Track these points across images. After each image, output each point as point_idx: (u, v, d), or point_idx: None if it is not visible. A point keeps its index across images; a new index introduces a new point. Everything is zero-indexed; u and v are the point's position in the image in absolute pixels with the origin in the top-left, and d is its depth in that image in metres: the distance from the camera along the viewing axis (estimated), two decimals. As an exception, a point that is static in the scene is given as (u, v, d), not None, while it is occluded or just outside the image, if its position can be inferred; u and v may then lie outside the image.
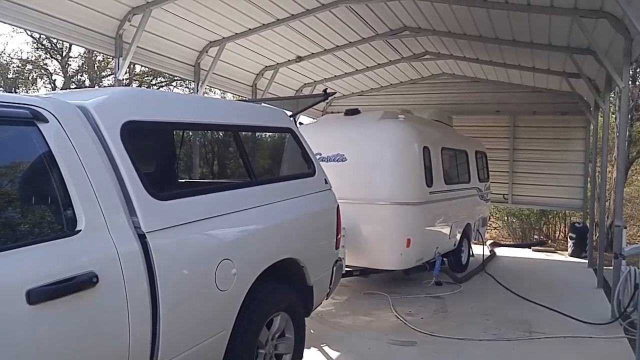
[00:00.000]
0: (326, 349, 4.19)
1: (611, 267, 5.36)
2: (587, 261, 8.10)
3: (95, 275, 1.95)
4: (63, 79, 18.25)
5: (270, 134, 3.84)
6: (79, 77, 18.61)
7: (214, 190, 2.85)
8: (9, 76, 17.18)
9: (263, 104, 4.08)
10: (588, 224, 8.85)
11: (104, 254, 2.04)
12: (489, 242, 9.91)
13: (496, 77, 9.89)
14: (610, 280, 5.50)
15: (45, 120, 2.07)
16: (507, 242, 11.31)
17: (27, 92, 17.35)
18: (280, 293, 3.20)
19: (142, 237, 2.22)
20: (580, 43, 6.13)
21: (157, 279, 2.22)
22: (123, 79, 6.31)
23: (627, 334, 4.57)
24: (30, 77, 18.53)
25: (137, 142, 2.44)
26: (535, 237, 12.13)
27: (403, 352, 4.20)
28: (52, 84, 18.55)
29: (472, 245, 7.93)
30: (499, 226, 12.98)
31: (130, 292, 2.09)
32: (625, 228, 4.85)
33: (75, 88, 17.86)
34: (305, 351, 3.68)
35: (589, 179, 9.12)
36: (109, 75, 18.18)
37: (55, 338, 1.83)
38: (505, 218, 12.72)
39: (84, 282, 1.91)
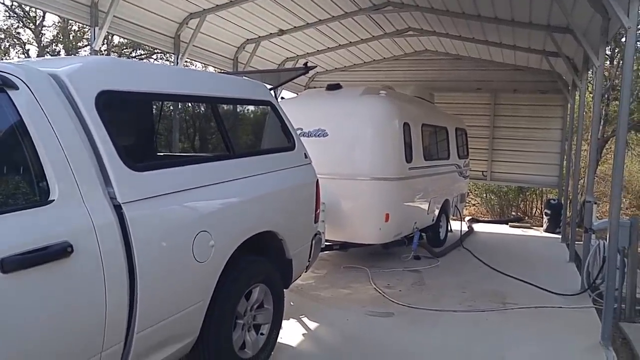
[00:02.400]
0: (305, 320, 4.27)
1: (582, 242, 5.54)
2: (560, 236, 8.34)
3: (70, 245, 1.95)
4: (37, 48, 17.68)
5: (250, 107, 3.81)
6: (53, 47, 18.02)
7: (191, 163, 2.84)
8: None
9: (243, 77, 4.03)
10: (563, 201, 9.08)
11: (79, 224, 2.03)
12: (467, 218, 10.10)
13: (478, 55, 9.92)
14: (581, 254, 5.69)
15: (15, 87, 2.02)
16: (485, 219, 11.54)
17: (-1, 62, 16.74)
18: (259, 265, 3.24)
19: (118, 208, 2.21)
20: (560, 22, 6.17)
21: (133, 250, 2.22)
22: (100, 50, 6.12)
23: (595, 304, 4.76)
24: (1, 47, 17.89)
25: (112, 112, 2.40)
26: (513, 213, 12.40)
27: (380, 322, 4.30)
28: (26, 54, 17.95)
29: (451, 221, 8.09)
30: (478, 203, 13.21)
31: (106, 263, 2.10)
32: (596, 204, 5.00)
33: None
34: (285, 322, 3.76)
35: (564, 157, 9.31)
36: (86, 46, 17.66)
37: (31, 307, 1.83)
38: (484, 195, 12.95)
39: (58, 251, 1.91)
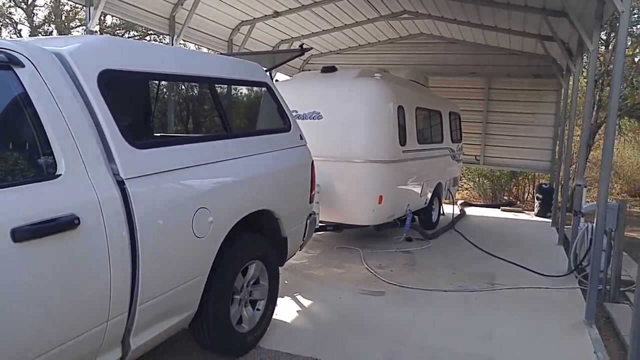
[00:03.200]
0: (299, 297, 4.39)
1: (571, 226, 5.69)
2: (550, 220, 8.50)
3: (77, 217, 2.03)
4: (29, 28, 17.44)
5: (247, 88, 3.86)
6: (45, 27, 17.79)
7: (190, 141, 2.92)
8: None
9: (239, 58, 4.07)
10: (555, 186, 9.23)
11: (85, 198, 2.11)
12: (459, 201, 10.24)
13: (473, 39, 9.96)
14: (570, 237, 5.84)
15: (21, 64, 2.08)
16: (478, 203, 11.70)
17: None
18: (256, 242, 3.33)
19: (121, 184, 2.28)
20: (555, 5, 6.21)
21: (135, 224, 2.30)
22: (93, 31, 6.10)
23: (580, 285, 4.92)
24: (-7, 26, 17.64)
25: (114, 90, 2.45)
26: (505, 197, 12.57)
27: (372, 300, 4.43)
28: (18, 34, 17.70)
29: (443, 204, 8.22)
30: (470, 187, 13.36)
31: (110, 236, 2.18)
32: (586, 187, 5.12)
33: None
34: (280, 300, 3.87)
35: (557, 142, 9.44)
36: (78, 26, 17.45)
37: (40, 275, 1.91)
38: (477, 179, 13.09)
39: (66, 223, 1.99)
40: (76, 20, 17.09)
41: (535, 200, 9.99)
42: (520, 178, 12.98)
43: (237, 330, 3.17)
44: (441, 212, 8.10)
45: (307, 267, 5.38)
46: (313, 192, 4.06)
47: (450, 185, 8.48)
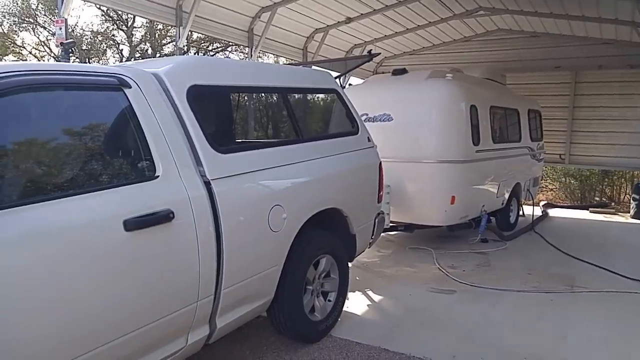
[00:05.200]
0: (370, 293, 4.58)
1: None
2: (647, 222, 7.91)
3: (172, 212, 2.39)
4: (129, 48, 19.28)
5: (317, 95, 4.14)
6: (142, 46, 19.57)
7: (266, 146, 3.24)
8: (83, 47, 18.36)
9: (312, 67, 4.37)
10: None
11: (178, 196, 2.48)
12: (542, 202, 9.81)
13: (558, 30, 9.45)
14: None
15: (129, 86, 2.50)
16: (563, 204, 11.09)
17: (98, 62, 18.51)
18: (326, 238, 3.58)
19: (207, 184, 2.63)
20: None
21: (220, 219, 2.64)
22: (183, 47, 6.77)
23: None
24: (100, 48, 19.69)
25: (200, 103, 2.83)
26: (597, 199, 11.77)
27: (442, 298, 4.50)
28: (120, 54, 19.65)
29: (522, 205, 7.97)
30: (556, 187, 12.68)
31: (199, 228, 2.53)
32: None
33: (138, 57, 18.83)
34: (351, 294, 4.10)
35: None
36: (169, 42, 18.98)
37: (145, 260, 2.29)
38: (563, 179, 12.40)
39: (164, 216, 2.36)
40: (167, 37, 18.60)
41: (632, 201, 9.30)
42: (615, 177, 12.07)
43: (309, 319, 3.44)
44: (520, 213, 7.85)
45: (378, 266, 5.56)
46: (381, 192, 4.23)
47: (530, 185, 8.19)
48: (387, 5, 8.07)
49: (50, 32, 18.32)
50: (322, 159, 3.54)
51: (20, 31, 18.07)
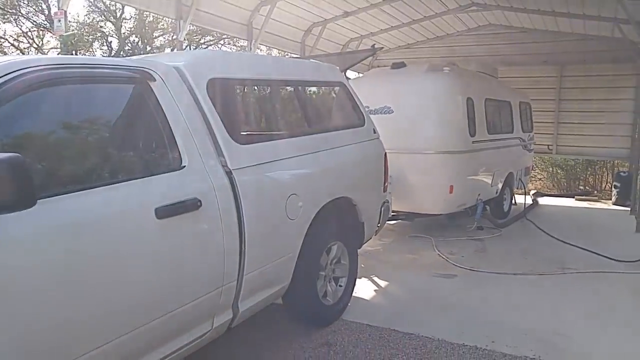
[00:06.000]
0: (375, 278, 4.75)
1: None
2: (629, 209, 8.21)
3: (199, 200, 2.49)
4: (117, 40, 19.10)
5: (326, 88, 4.26)
6: (131, 38, 19.39)
7: (281, 138, 3.35)
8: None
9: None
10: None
11: (204, 185, 2.58)
12: (532, 191, 10.09)
13: (545, 26, 9.71)
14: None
15: (153, 79, 2.59)
16: (551, 193, 11.41)
17: (85, 54, 18.31)
18: (337, 226, 3.72)
19: (229, 174, 2.74)
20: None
21: (241, 207, 2.74)
22: (177, 39, 6.81)
23: (657, 271, 4.87)
24: (88, 40, 19.45)
25: (219, 95, 2.93)
26: (581, 187, 12.13)
27: (445, 282, 4.70)
28: (108, 46, 19.45)
29: (515, 194, 8.21)
30: (543, 177, 13.01)
31: (223, 216, 2.63)
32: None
33: (129, 50, 18.68)
34: (357, 280, 4.25)
35: (637, 128, 9.04)
36: (160, 35, 18.86)
37: (176, 246, 2.40)
38: (550, 169, 12.73)
39: (192, 205, 2.46)
40: (159, 30, 18.47)
41: (613, 188, 9.63)
42: (597, 167, 12.45)
43: (323, 303, 3.59)
44: (513, 201, 8.09)
45: (381, 254, 5.73)
46: (386, 182, 4.39)
47: (522, 174, 8.43)
48: (383, 0, 8.19)
49: (34, 23, 18.12)
50: (333, 150, 3.66)
51: (4, 22, 17.79)
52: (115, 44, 19.14)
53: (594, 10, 7.82)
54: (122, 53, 18.78)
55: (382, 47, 5.51)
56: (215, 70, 2.98)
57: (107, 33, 19.45)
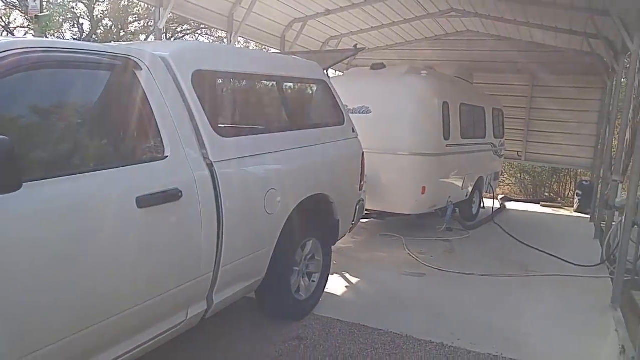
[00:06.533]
0: (347, 275, 4.84)
1: (608, 220, 5.86)
2: (589, 216, 8.58)
3: (180, 190, 2.51)
4: (90, 23, 18.57)
5: (308, 85, 4.31)
6: (105, 21, 18.88)
7: (262, 132, 3.39)
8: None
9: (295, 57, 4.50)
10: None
11: (185, 176, 2.59)
12: (500, 196, 10.40)
13: (520, 36, 10.00)
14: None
15: (140, 68, 2.58)
16: (518, 198, 11.79)
17: (54, 35, 17.71)
18: (313, 222, 3.78)
19: (210, 166, 2.76)
20: (600, 5, 6.31)
21: (221, 199, 2.77)
22: (149, 25, 6.72)
23: (611, 275, 5.13)
24: (57, 20, 18.79)
25: (204, 88, 2.94)
26: (546, 194, 12.58)
27: (413, 281, 4.83)
28: (79, 28, 18.88)
29: (483, 198, 8.46)
30: (512, 182, 13.42)
31: (203, 207, 2.65)
32: (622, 183, 5.29)
33: (101, 34, 18.18)
34: (329, 277, 4.32)
35: (600, 140, 9.44)
36: (135, 21, 18.43)
37: (155, 235, 2.41)
38: (518, 175, 13.14)
39: (173, 195, 2.47)
40: (134, 15, 18.04)
41: (576, 196, 10.04)
42: (562, 174, 12.94)
43: (295, 298, 3.65)
44: (481, 205, 8.34)
45: (353, 251, 5.83)
46: (363, 181, 4.47)
47: (492, 179, 8.69)
48: (366, 0, 8.26)
49: (3, 2, 17.43)
50: (313, 147, 3.72)
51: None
52: (87, 27, 18.61)
53: (565, 23, 8.11)
54: (94, 37, 18.26)
55: (365, 48, 5.57)
56: (201, 62, 2.99)
57: (78, 15, 18.90)
